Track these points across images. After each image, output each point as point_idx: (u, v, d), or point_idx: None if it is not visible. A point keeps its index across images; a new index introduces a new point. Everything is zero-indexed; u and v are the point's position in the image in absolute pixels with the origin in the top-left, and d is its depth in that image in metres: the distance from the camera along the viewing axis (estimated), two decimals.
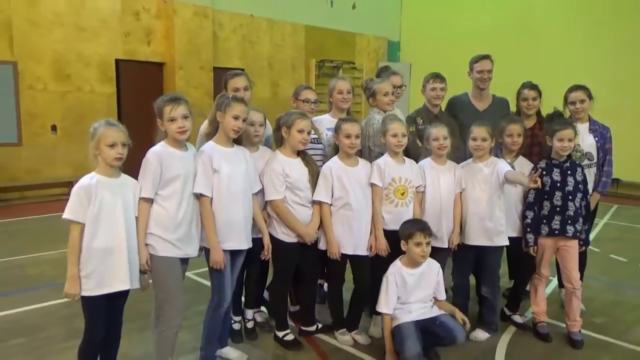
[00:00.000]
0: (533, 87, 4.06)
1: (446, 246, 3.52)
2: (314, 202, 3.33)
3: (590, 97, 3.93)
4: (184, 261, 2.86)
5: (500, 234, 3.51)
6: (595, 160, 3.92)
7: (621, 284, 4.89)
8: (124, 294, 2.64)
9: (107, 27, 8.94)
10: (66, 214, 2.47)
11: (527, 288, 3.88)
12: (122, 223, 2.54)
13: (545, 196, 3.50)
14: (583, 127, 3.90)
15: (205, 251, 2.94)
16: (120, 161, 2.56)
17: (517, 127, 3.62)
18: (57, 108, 8.55)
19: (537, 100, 4.03)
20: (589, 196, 3.66)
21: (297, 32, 11.74)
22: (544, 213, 3.53)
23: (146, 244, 2.70)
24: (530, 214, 3.55)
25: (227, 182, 2.89)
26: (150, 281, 2.81)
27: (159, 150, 2.74)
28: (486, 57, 4.21)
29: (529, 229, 3.55)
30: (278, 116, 3.34)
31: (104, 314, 2.59)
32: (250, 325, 3.59)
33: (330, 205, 3.33)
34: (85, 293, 2.50)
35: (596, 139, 3.92)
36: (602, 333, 3.74)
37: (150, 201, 2.70)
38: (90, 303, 2.53)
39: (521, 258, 3.69)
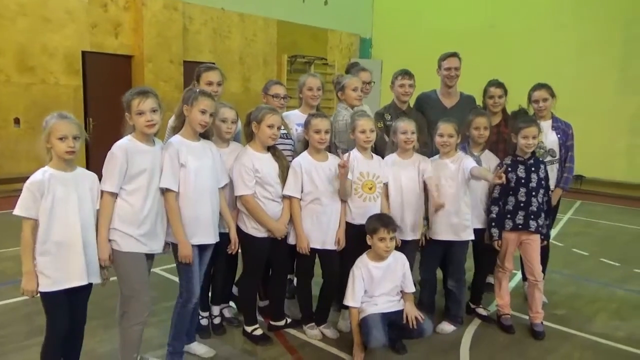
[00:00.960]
0: (499, 85, 4.14)
1: (409, 239, 3.55)
2: (283, 197, 3.33)
3: (552, 95, 4.04)
4: (149, 257, 2.82)
5: (466, 229, 3.58)
6: (557, 156, 4.02)
7: (582, 277, 5.05)
8: (84, 289, 2.57)
9: (73, 18, 8.71)
10: (17, 210, 2.38)
11: (492, 282, 3.97)
12: (77, 217, 2.47)
13: (510, 192, 3.59)
14: (546, 125, 4.00)
15: (172, 247, 2.91)
16: (72, 155, 2.47)
17: (484, 120, 3.70)
18: (20, 101, 8.30)
19: (502, 98, 4.12)
20: (550, 192, 3.77)
21: (269, 27, 11.67)
22: (508, 208, 3.61)
23: (110, 240, 2.65)
24: (495, 209, 3.64)
25: (195, 177, 2.86)
26: (114, 278, 2.76)
27: (125, 144, 2.68)
28: (454, 54, 4.28)
29: (493, 224, 3.64)
30: (249, 111, 3.32)
31: (66, 310, 2.52)
32: (217, 321, 3.56)
33: (300, 199, 3.34)
34: (42, 289, 2.44)
35: (558, 135, 4.03)
36: (563, 324, 3.86)
37: (114, 195, 2.65)
38: (49, 299, 2.47)
39: (482, 250, 3.79)
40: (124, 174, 2.64)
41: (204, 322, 3.49)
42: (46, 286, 2.44)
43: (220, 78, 3.52)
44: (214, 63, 9.30)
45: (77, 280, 2.50)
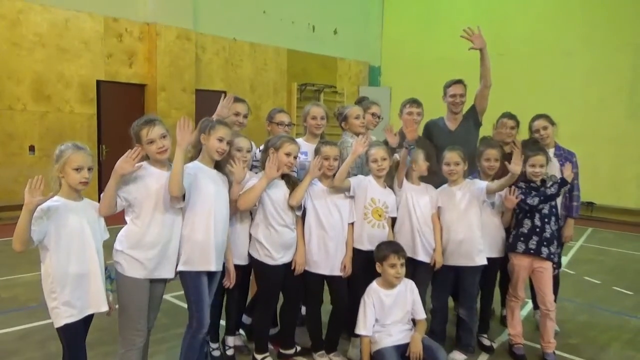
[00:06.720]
0: (511, 116, 4.19)
1: (423, 259, 3.56)
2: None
3: (552, 123, 4.10)
4: (160, 281, 2.84)
5: (479, 253, 3.57)
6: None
7: (595, 306, 4.99)
8: (91, 318, 2.59)
9: (89, 48, 8.94)
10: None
11: (504, 313, 3.93)
12: (93, 244, 2.52)
13: (528, 214, 3.60)
14: (549, 153, 4.02)
15: (180, 275, 2.90)
16: (86, 185, 2.51)
17: (495, 152, 3.72)
18: (35, 129, 8.47)
19: (514, 129, 4.16)
20: (560, 221, 3.76)
21: (279, 55, 11.88)
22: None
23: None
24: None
25: (214, 201, 2.90)
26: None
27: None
28: (459, 81, 4.34)
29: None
30: (267, 139, 3.40)
31: (84, 341, 2.51)
32: (230, 352, 3.53)
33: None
34: (67, 320, 2.43)
35: (560, 163, 4.07)
36: (576, 354, 3.81)
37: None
38: (71, 331, 2.46)
39: (488, 279, 3.77)
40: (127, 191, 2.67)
41: (215, 353, 3.45)
42: (72, 317, 2.44)
43: (247, 111, 3.67)
44: (225, 92, 9.48)
45: (96, 306, 2.52)
